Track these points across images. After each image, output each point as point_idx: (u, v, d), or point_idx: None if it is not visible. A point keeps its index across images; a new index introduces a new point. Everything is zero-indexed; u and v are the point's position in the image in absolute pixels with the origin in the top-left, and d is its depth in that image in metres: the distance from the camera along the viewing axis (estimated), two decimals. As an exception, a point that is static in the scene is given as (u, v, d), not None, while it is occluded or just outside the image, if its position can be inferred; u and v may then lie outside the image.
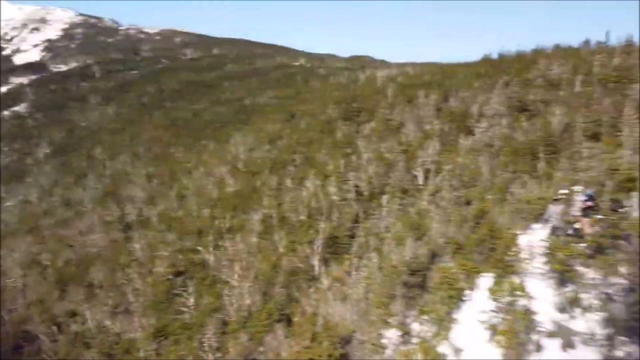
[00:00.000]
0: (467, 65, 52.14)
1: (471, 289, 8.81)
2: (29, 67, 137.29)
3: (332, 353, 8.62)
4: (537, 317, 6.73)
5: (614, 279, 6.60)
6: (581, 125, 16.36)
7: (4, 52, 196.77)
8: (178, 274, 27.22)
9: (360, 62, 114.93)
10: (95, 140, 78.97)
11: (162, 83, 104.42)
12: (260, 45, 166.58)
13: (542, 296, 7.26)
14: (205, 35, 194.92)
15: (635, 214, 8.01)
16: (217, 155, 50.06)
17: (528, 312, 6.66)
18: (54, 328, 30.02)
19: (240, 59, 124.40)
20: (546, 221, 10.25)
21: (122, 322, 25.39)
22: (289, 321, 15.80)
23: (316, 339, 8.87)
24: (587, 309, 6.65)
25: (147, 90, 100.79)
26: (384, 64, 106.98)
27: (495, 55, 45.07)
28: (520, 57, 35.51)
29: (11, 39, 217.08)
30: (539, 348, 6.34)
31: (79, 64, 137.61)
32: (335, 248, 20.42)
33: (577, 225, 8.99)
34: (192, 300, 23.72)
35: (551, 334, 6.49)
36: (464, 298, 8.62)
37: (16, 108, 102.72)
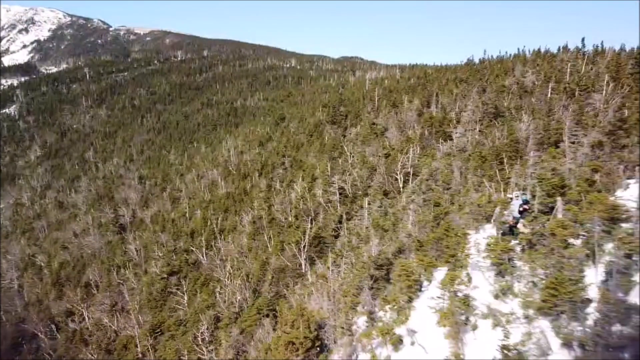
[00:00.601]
0: (452, 68, 53.97)
1: (428, 280, 10.29)
2: (18, 69, 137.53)
3: (308, 335, 10.02)
4: (475, 303, 8.17)
5: (538, 270, 8.08)
6: (539, 133, 18.03)
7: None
8: (172, 273, 28.55)
9: (350, 64, 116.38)
10: (88, 143, 79.88)
11: (153, 85, 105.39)
12: (250, 46, 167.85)
13: (482, 285, 8.71)
14: (196, 36, 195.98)
15: (559, 215, 9.63)
16: (208, 157, 51.26)
17: (468, 299, 8.10)
18: (53, 327, 31.27)
19: (230, 60, 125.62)
20: (493, 222, 11.86)
21: (119, 319, 26.66)
22: (275, 315, 17.24)
23: (295, 325, 10.16)
24: (515, 295, 8.14)
25: (138, 92, 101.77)
26: (373, 65, 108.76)
27: (478, 59, 47.06)
28: (500, 62, 37.14)
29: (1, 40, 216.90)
30: (474, 327, 7.76)
31: (69, 65, 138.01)
32: (320, 247, 21.92)
33: (514, 225, 10.59)
34: (186, 298, 25.09)
35: (485, 316, 7.91)
36: (421, 288, 10.08)
37: (6, 110, 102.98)
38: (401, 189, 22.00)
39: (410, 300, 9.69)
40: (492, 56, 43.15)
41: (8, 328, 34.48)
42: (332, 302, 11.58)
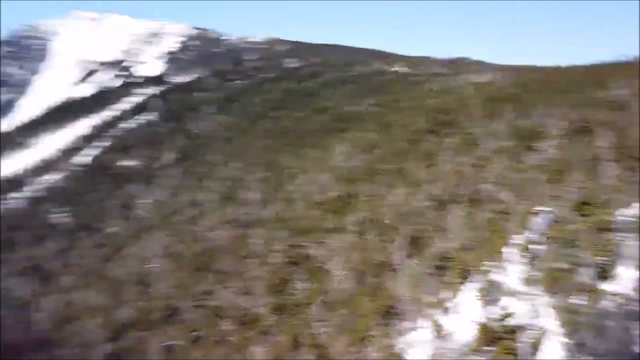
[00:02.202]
0: (561, 70, 54.30)
1: (477, 272, 14.23)
2: (154, 79, 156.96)
3: (388, 310, 14.52)
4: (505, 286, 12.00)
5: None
6: (607, 149, 20.25)
7: (129, 65, 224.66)
8: (290, 264, 34.36)
9: (457, 66, 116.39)
10: (212, 148, 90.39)
11: (267, 92, 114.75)
12: (357, 51, 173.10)
13: (515, 274, 12.45)
14: (304, 43, 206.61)
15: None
16: (319, 162, 57.03)
17: (499, 283, 11.92)
18: (194, 304, 38.81)
19: (338, 66, 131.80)
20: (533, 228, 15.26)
21: (247, 300, 33.13)
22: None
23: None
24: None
25: (254, 99, 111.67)
26: (481, 66, 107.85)
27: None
28: (598, 69, 37.80)
29: (135, 53, 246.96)
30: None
31: (194, 75, 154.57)
32: (415, 246, 26.05)
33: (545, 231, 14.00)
34: (301, 285, 30.64)
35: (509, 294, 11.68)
36: (470, 279, 14.08)
37: (146, 117, 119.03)
38: (486, 198, 25.43)
39: (461, 285, 13.81)
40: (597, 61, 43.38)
41: (157, 303, 43.06)
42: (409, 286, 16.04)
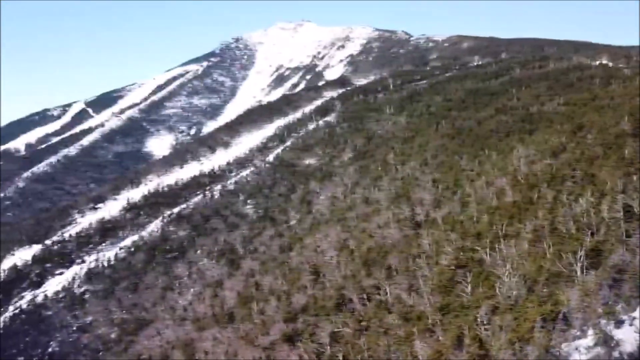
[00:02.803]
0: None
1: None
2: (336, 82, 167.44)
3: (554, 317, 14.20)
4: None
5: None
6: None
7: (317, 69, 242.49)
8: (459, 267, 34.44)
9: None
10: (389, 147, 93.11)
11: (449, 92, 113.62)
12: (554, 43, 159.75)
13: None
14: (494, 38, 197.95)
15: None
16: (498, 165, 55.10)
17: None
18: (363, 296, 41.34)
19: (529, 62, 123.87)
20: None
21: (414, 297, 34.24)
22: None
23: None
24: None
25: (435, 99, 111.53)
26: None
27: None
28: None
29: (322, 57, 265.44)
30: None
31: (375, 77, 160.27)
32: (597, 259, 23.90)
33: None
34: (469, 288, 30.60)
35: None
36: None
37: (327, 118, 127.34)
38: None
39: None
40: None
41: (331, 292, 46.82)
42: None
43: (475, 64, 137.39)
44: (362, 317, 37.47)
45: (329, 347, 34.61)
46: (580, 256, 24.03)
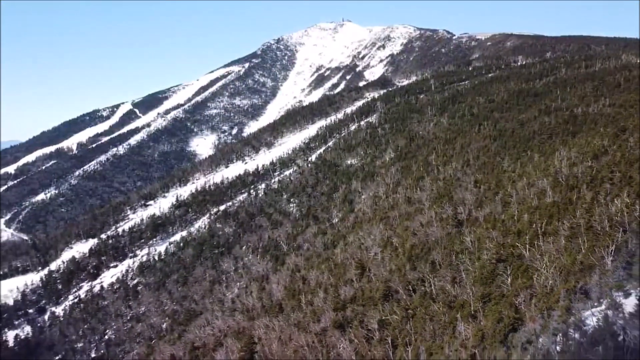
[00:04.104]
0: None
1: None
2: (377, 82, 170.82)
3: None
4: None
5: None
6: None
7: (357, 69, 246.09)
8: (499, 261, 37.59)
9: None
10: (431, 148, 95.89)
11: (492, 93, 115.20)
12: (603, 41, 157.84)
13: None
14: (539, 36, 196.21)
15: None
16: (540, 167, 57.51)
17: None
18: (409, 288, 44.87)
19: (575, 61, 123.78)
20: None
21: (457, 288, 37.63)
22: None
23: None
24: None
25: (477, 100, 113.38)
26: None
27: None
28: None
29: (362, 57, 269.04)
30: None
31: (417, 77, 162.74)
32: (628, 254, 26.79)
33: None
34: (509, 280, 33.82)
35: None
36: None
37: (369, 119, 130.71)
38: None
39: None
40: None
41: (378, 284, 50.56)
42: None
43: (519, 63, 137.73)
44: (409, 306, 41.01)
45: (377, 333, 38.30)
46: (611, 250, 27.03)
